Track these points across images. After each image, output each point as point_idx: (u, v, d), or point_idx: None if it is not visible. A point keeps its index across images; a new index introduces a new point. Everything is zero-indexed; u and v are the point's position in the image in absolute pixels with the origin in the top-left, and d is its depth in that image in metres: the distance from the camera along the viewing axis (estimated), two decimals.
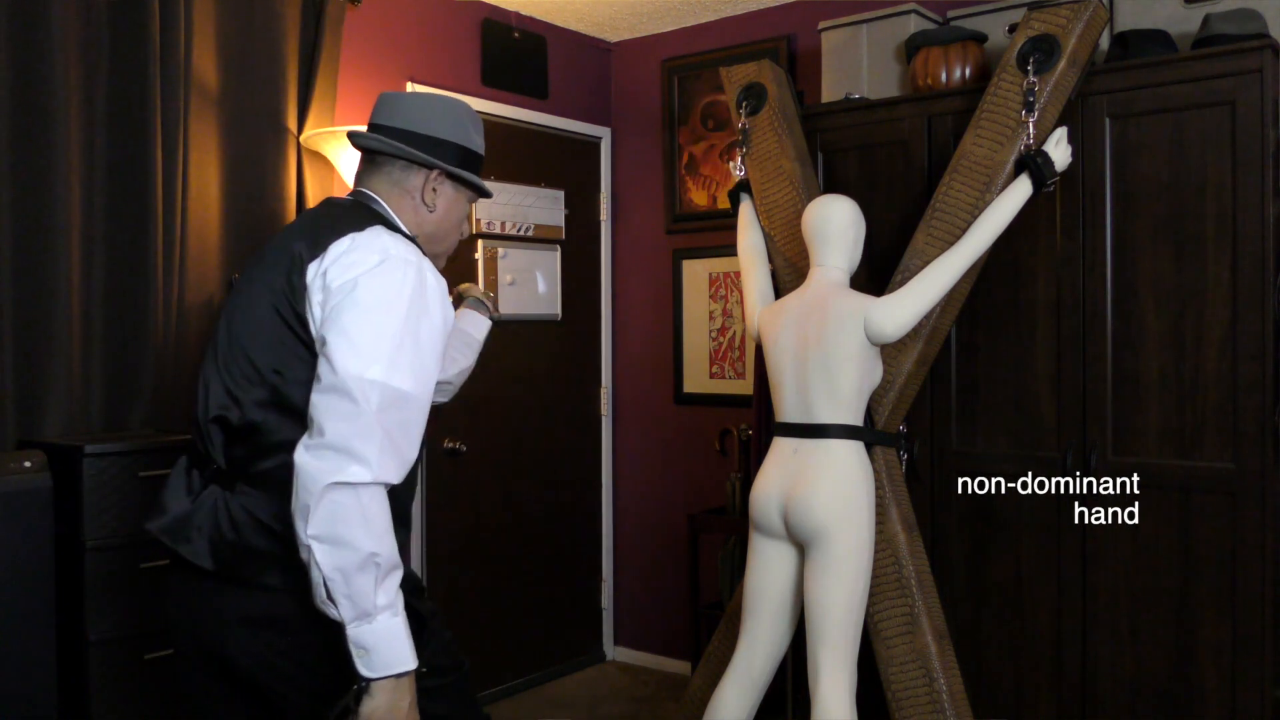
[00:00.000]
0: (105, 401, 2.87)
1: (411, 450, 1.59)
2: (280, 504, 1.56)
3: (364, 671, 1.51)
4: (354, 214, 1.72)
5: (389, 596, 1.51)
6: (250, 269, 1.76)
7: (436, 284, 1.66)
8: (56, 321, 2.74)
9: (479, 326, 2.34)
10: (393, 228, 1.72)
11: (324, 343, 1.57)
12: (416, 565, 3.79)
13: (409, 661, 1.53)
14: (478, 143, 1.87)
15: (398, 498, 1.68)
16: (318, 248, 1.64)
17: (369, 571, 1.48)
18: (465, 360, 2.28)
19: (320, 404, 1.52)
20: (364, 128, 1.88)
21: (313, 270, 1.62)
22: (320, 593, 1.50)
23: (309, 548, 1.48)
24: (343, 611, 1.49)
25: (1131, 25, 2.79)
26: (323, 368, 1.55)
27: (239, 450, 1.67)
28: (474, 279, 3.97)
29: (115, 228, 2.89)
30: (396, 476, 1.55)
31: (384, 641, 1.51)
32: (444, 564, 3.89)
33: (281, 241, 1.72)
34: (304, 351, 1.62)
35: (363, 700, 1.52)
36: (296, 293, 1.63)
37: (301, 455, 1.50)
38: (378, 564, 1.49)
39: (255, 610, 1.62)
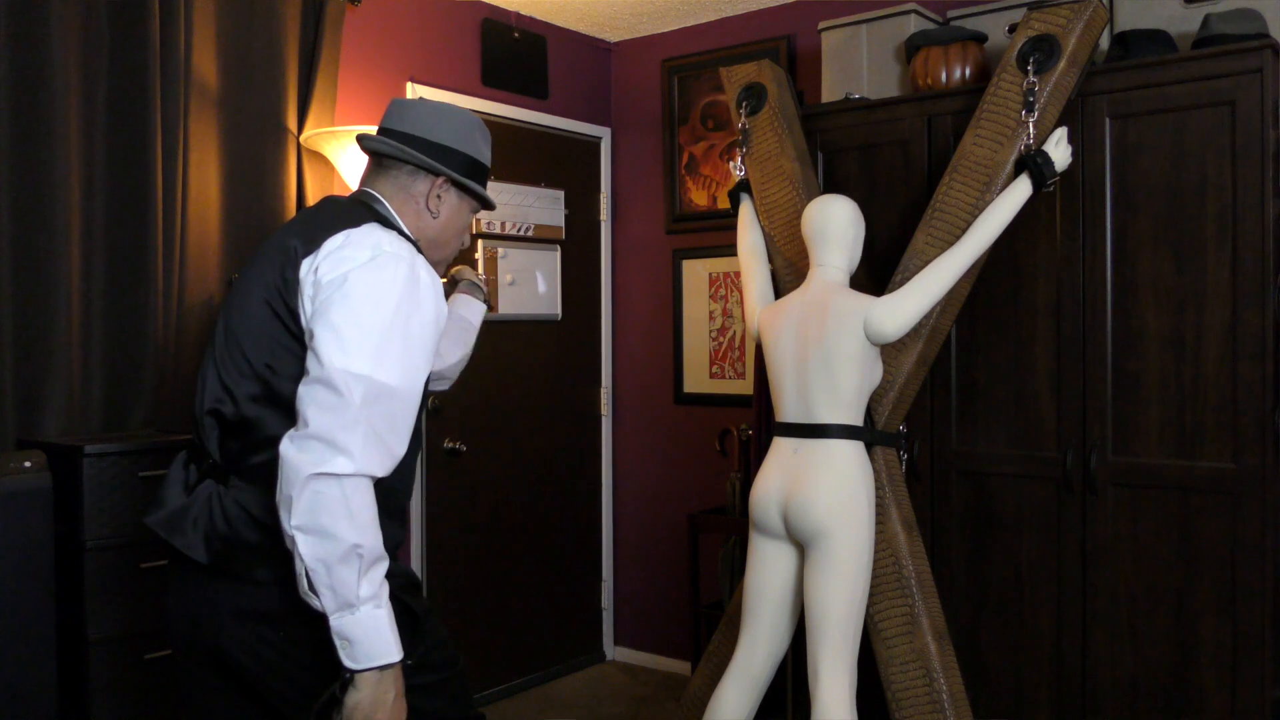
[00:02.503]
0: (105, 401, 2.87)
1: (399, 444, 1.59)
2: (271, 498, 1.56)
3: (348, 663, 1.51)
4: (351, 211, 1.72)
5: (373, 588, 1.51)
6: (248, 265, 1.77)
7: (429, 280, 1.66)
8: (56, 321, 2.74)
9: (474, 311, 2.34)
10: (390, 226, 1.72)
11: (312, 336, 1.58)
12: (416, 565, 3.79)
13: (393, 653, 1.53)
14: (485, 155, 1.88)
15: (393, 493, 1.69)
16: (312, 243, 1.64)
17: (351, 563, 1.49)
18: (462, 349, 2.28)
19: (305, 396, 1.53)
20: (369, 128, 1.89)
21: (305, 265, 1.63)
22: (303, 583, 1.50)
23: (292, 538, 1.49)
24: (325, 602, 1.50)
25: (1131, 25, 2.79)
26: (310, 361, 1.56)
27: (233, 444, 1.68)
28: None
29: (115, 228, 2.89)
30: (381, 470, 1.55)
31: (367, 633, 1.51)
32: (444, 564, 3.89)
33: (278, 238, 1.73)
34: (296, 346, 1.63)
35: (347, 692, 1.52)
36: (289, 287, 1.64)
37: (286, 446, 1.51)
38: (360, 555, 1.49)
39: (247, 604, 1.63)
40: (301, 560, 1.49)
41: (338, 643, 1.51)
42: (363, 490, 1.52)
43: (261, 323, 1.66)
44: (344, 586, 1.49)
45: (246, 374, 1.66)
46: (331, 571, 1.48)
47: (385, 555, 1.54)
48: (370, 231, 1.66)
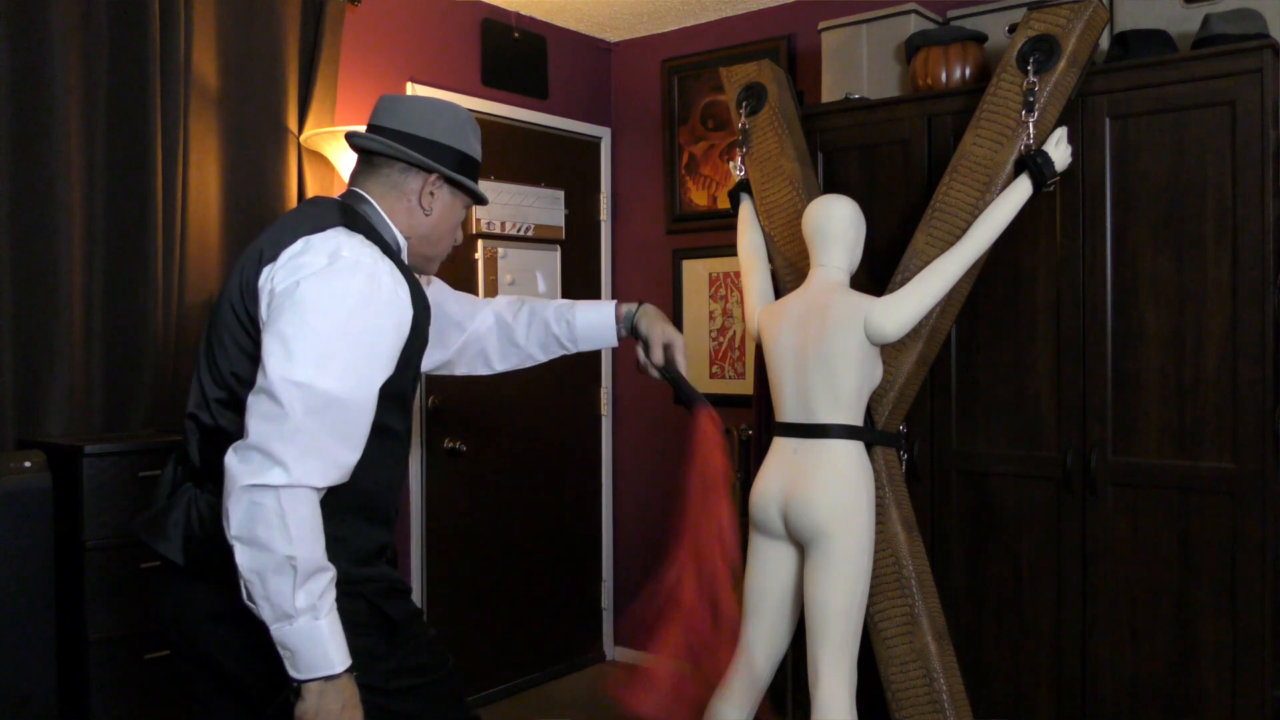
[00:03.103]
0: (105, 401, 2.87)
1: (348, 454, 1.58)
2: None
3: (291, 672, 1.52)
4: (322, 214, 1.70)
5: (310, 599, 1.50)
6: (232, 269, 1.77)
7: (391, 285, 1.63)
8: (56, 321, 2.74)
9: (600, 334, 2.27)
10: (362, 228, 1.69)
11: (262, 345, 1.57)
12: (416, 565, 3.79)
13: (335, 665, 1.52)
14: (476, 149, 1.86)
15: (372, 497, 1.69)
16: (274, 250, 1.63)
17: (285, 574, 1.48)
18: (514, 359, 2.24)
19: (251, 405, 1.53)
20: (363, 128, 1.88)
21: (265, 273, 1.62)
22: (243, 592, 1.51)
23: (231, 548, 1.50)
24: (262, 612, 1.50)
25: (1131, 25, 2.79)
26: (258, 370, 1.56)
27: (210, 449, 1.68)
28: (474, 279, 3.96)
29: (115, 228, 2.89)
30: (324, 480, 1.54)
31: (306, 644, 1.50)
32: (444, 564, 3.89)
33: (255, 243, 1.72)
34: (257, 354, 1.62)
35: (296, 701, 1.53)
36: (250, 295, 1.63)
37: (229, 456, 1.51)
38: (294, 567, 1.48)
39: (223, 605, 1.62)
40: (239, 570, 1.49)
41: (281, 652, 1.51)
42: (299, 501, 1.50)
43: (230, 330, 1.66)
44: (279, 597, 1.49)
45: (218, 380, 1.67)
46: (266, 582, 1.48)
47: (327, 567, 1.53)
48: (331, 237, 1.63)
